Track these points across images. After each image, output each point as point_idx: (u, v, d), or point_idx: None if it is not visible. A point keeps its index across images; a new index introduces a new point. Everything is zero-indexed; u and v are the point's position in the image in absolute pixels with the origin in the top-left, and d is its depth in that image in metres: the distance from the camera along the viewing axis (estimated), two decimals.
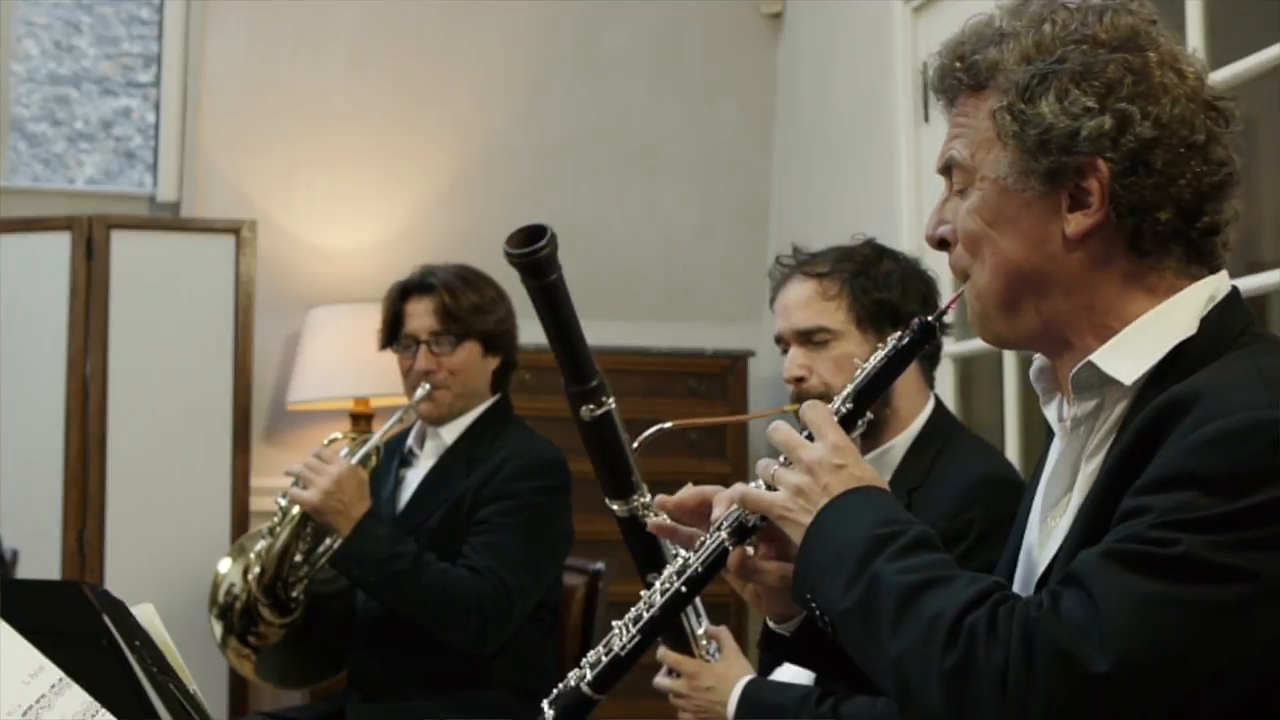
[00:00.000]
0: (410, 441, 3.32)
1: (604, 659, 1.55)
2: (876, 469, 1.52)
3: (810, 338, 2.42)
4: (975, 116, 1.46)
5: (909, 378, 2.39)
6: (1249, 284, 2.98)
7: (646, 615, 1.54)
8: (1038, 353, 1.52)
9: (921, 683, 1.28)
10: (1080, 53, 1.40)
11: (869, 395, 1.54)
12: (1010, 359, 3.79)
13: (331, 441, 3.27)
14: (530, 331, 3.35)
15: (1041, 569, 1.45)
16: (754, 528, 1.51)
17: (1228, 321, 1.41)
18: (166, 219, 4.78)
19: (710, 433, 4.70)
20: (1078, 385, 1.43)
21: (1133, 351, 1.40)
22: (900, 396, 2.41)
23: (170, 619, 1.81)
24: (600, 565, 3.27)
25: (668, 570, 1.55)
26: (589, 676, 1.55)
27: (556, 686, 1.58)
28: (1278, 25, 2.96)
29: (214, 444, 4.44)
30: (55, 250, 4.41)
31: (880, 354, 1.54)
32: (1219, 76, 3.01)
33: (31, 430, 4.35)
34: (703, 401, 4.74)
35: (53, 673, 1.56)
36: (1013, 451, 3.76)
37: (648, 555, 1.85)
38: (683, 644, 2.25)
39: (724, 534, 1.52)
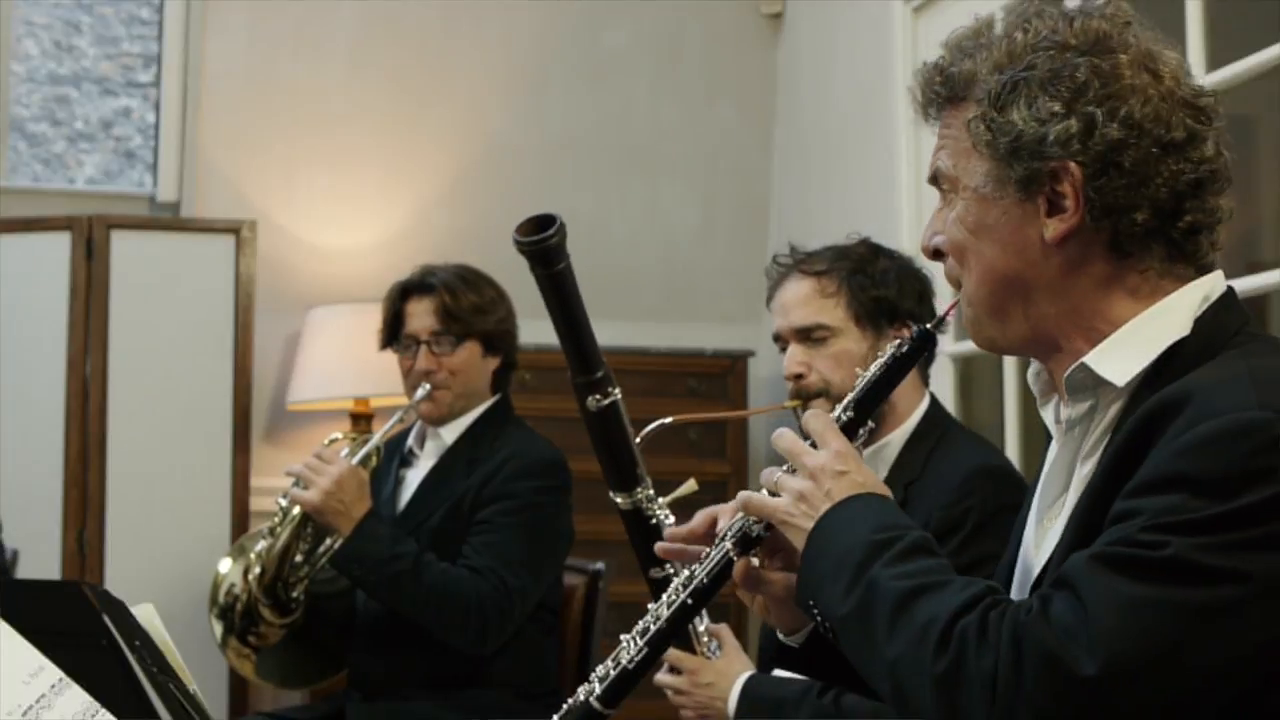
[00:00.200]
0: (410, 442, 3.32)
1: (612, 673, 1.55)
2: (873, 465, 1.53)
3: (809, 335, 2.43)
4: (955, 127, 1.47)
5: None
6: (1249, 284, 2.97)
7: (654, 628, 1.55)
8: (1032, 357, 1.53)
9: (915, 687, 1.29)
10: (1048, 59, 1.40)
11: (870, 403, 1.55)
12: (1009, 359, 3.79)
13: (332, 441, 3.27)
14: (530, 331, 3.37)
15: (1037, 571, 1.45)
16: (758, 538, 1.52)
17: (1222, 321, 1.41)
18: (166, 219, 4.78)
19: (710, 432, 4.71)
20: (1071, 387, 1.43)
21: (1125, 353, 1.40)
22: (896, 393, 2.41)
23: (170, 619, 1.81)
24: (600, 565, 3.27)
25: (674, 582, 1.56)
26: (598, 691, 1.55)
27: (565, 702, 1.58)
28: (1278, 25, 2.96)
29: (214, 444, 4.44)
30: (55, 250, 4.41)
31: (880, 362, 1.56)
32: (1219, 76, 3.01)
33: (31, 430, 4.35)
34: (703, 401, 4.74)
35: (53, 673, 1.56)
36: (1013, 452, 3.76)
37: (650, 550, 1.85)
38: (684, 641, 2.25)
39: (729, 544, 1.52)
